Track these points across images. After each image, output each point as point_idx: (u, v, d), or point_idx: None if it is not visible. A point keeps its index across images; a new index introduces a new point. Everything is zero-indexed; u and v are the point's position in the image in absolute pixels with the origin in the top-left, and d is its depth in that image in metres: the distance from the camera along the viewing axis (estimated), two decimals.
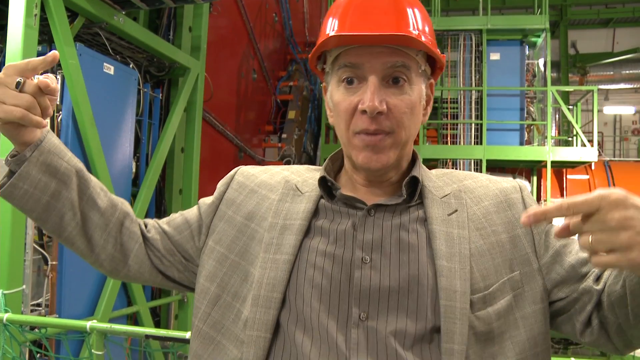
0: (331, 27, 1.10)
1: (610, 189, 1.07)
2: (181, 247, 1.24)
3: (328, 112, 1.20)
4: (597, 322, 1.02)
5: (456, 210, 1.10)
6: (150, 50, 4.75)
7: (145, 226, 1.27)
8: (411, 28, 1.06)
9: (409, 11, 1.08)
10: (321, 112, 9.59)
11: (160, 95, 5.18)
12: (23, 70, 1.00)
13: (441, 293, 1.00)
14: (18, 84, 0.99)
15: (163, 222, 1.30)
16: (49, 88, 1.01)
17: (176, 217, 1.29)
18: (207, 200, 1.27)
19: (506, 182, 1.17)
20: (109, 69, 4.24)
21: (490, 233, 1.09)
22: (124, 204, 1.25)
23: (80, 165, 1.16)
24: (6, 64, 1.03)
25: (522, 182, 1.18)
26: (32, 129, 1.06)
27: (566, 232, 0.83)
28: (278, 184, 1.20)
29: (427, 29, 1.11)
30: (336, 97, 1.10)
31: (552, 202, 1.08)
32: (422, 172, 1.16)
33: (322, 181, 1.15)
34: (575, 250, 1.08)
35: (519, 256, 1.08)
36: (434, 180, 1.16)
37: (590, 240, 0.80)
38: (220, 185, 1.27)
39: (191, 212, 1.28)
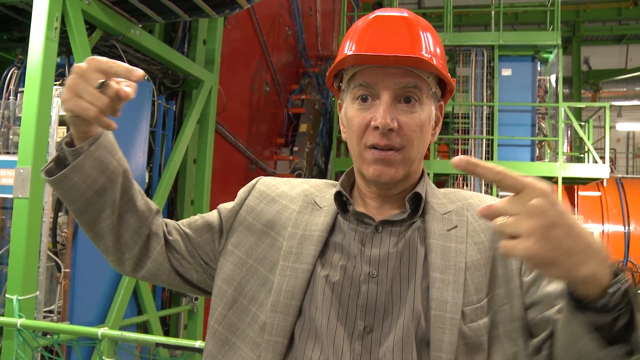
0: (349, 47, 1.16)
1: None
2: (201, 249, 1.27)
3: (341, 128, 1.25)
4: (546, 352, 1.01)
5: (456, 227, 1.14)
6: (165, 63, 4.83)
7: (166, 226, 1.29)
8: (424, 51, 1.12)
9: (422, 35, 1.14)
10: (332, 125, 9.64)
11: (174, 107, 5.25)
12: (106, 71, 0.99)
13: (431, 303, 1.04)
14: (102, 84, 0.99)
15: (184, 223, 1.31)
16: (128, 98, 1.01)
17: (196, 219, 1.31)
18: (227, 206, 1.30)
19: None
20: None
21: (487, 248, 1.12)
22: (155, 207, 1.28)
23: (127, 165, 1.20)
24: (90, 59, 1.01)
25: None
26: (87, 122, 1.06)
27: (488, 210, 0.83)
28: (298, 196, 1.25)
29: (438, 52, 1.16)
30: (350, 113, 1.15)
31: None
32: (428, 189, 1.21)
33: (338, 196, 1.20)
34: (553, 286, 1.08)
35: (507, 272, 1.11)
36: (439, 197, 1.21)
37: (501, 221, 0.81)
38: (242, 192, 1.31)
39: (212, 216, 1.30)
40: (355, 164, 1.19)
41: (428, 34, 1.15)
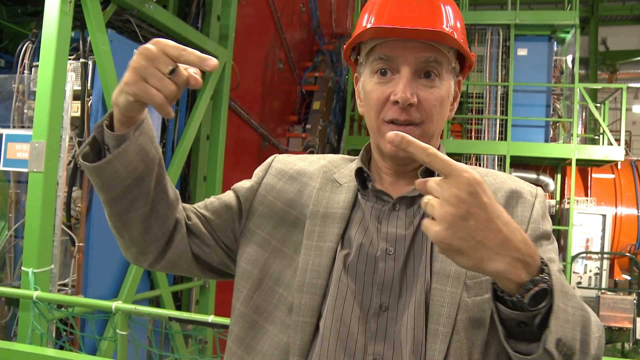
0: (368, 20, 1.14)
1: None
2: (221, 231, 1.23)
3: (358, 102, 1.23)
4: None
5: None
6: (179, 38, 4.80)
7: (184, 211, 1.23)
8: (444, 25, 1.10)
9: (443, 8, 1.12)
10: (346, 103, 9.60)
11: None
12: (177, 58, 0.93)
13: (433, 277, 1.04)
14: (173, 71, 0.93)
15: (200, 206, 1.26)
16: (197, 87, 0.97)
17: (212, 201, 1.27)
18: (244, 184, 1.27)
19: (526, 185, 1.18)
20: None
21: None
22: (177, 193, 1.22)
23: (161, 153, 1.13)
24: (157, 41, 0.94)
25: (541, 191, 1.19)
26: (143, 107, 1.01)
27: (422, 185, 0.86)
28: (317, 172, 1.23)
29: (459, 26, 1.14)
30: (369, 86, 1.13)
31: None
32: None
33: (359, 172, 1.18)
34: None
35: None
36: None
37: (427, 200, 0.84)
38: (258, 171, 1.29)
39: (228, 196, 1.26)
40: (373, 138, 1.17)
41: (449, 7, 1.13)
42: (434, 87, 1.10)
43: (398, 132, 0.85)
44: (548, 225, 1.13)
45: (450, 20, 1.11)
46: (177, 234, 1.17)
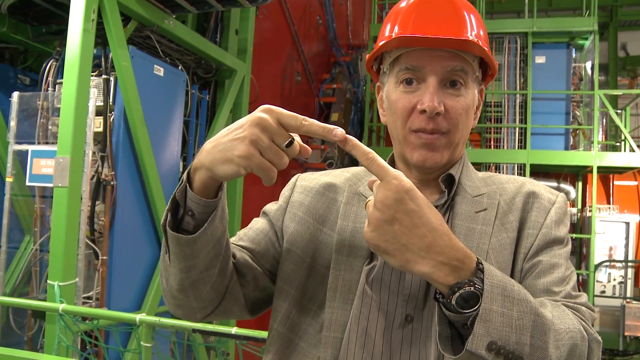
0: (392, 29, 1.14)
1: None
2: (264, 257, 1.19)
3: (381, 112, 1.23)
4: None
5: (485, 209, 1.13)
6: (198, 53, 4.88)
7: None
8: (469, 33, 1.10)
9: (467, 16, 1.12)
10: (364, 114, 9.60)
11: (207, 96, 5.31)
12: (297, 128, 0.89)
13: None
14: (290, 143, 0.89)
15: (236, 240, 1.21)
16: (307, 155, 0.93)
17: (246, 232, 1.23)
18: (272, 206, 1.26)
19: (546, 191, 1.17)
20: (159, 70, 4.38)
21: (514, 228, 1.11)
22: None
23: None
24: (270, 109, 0.89)
25: (562, 197, 1.17)
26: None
27: (371, 185, 0.92)
28: (343, 185, 1.22)
29: (482, 34, 1.14)
30: (394, 96, 1.13)
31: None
32: (465, 170, 1.19)
33: None
34: (545, 276, 1.06)
35: (519, 254, 1.10)
36: (475, 180, 1.19)
37: (367, 202, 0.91)
38: (285, 191, 1.28)
39: (260, 222, 1.24)
40: (398, 147, 1.17)
41: (472, 16, 1.13)
42: (460, 96, 1.11)
43: (344, 131, 0.90)
44: (562, 231, 1.12)
45: (475, 29, 1.12)
46: (231, 281, 1.12)
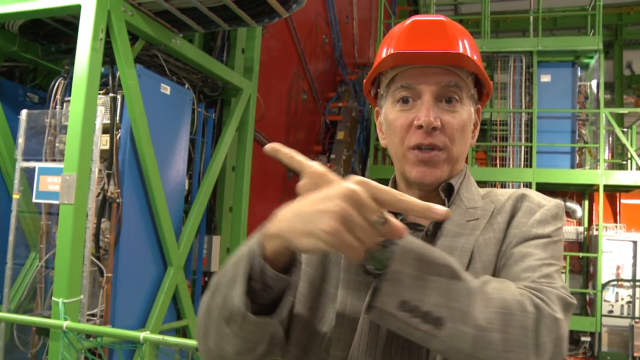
0: (387, 52, 1.18)
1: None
2: (295, 283, 1.09)
3: (380, 135, 1.25)
4: None
5: (477, 219, 1.12)
6: (204, 71, 4.92)
7: None
8: (460, 49, 1.13)
9: (460, 39, 1.15)
10: (370, 133, 9.63)
11: (214, 114, 5.34)
12: (394, 205, 0.82)
13: None
14: (384, 221, 0.81)
15: None
16: (400, 236, 0.83)
17: None
18: None
19: (541, 197, 1.16)
20: (166, 89, 4.42)
21: (502, 229, 1.10)
22: None
23: None
24: (364, 182, 0.82)
25: (554, 203, 1.14)
26: None
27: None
28: None
29: (475, 57, 1.16)
30: (391, 115, 1.15)
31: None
32: (466, 183, 1.19)
33: None
34: (516, 265, 1.04)
35: (501, 251, 1.09)
36: (474, 194, 1.19)
37: None
38: None
39: None
40: (398, 166, 1.19)
41: (465, 40, 1.16)
42: (456, 112, 1.13)
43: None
44: (546, 230, 1.08)
45: (467, 49, 1.15)
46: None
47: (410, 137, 1.12)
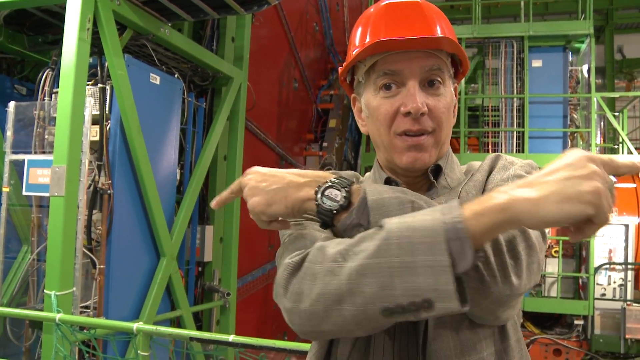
0: (362, 38, 1.17)
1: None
2: None
3: (360, 122, 1.25)
4: None
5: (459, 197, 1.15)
6: (194, 61, 4.88)
7: None
8: (439, 32, 1.13)
9: (437, 21, 1.15)
10: None
11: (204, 104, 5.31)
12: (616, 169, 0.85)
13: None
14: (612, 186, 0.83)
15: None
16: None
17: None
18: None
19: (512, 158, 1.19)
20: (155, 79, 4.38)
21: (480, 185, 1.15)
22: None
23: None
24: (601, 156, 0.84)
25: (528, 161, 1.17)
26: None
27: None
28: None
29: (451, 34, 1.17)
30: (374, 103, 1.15)
31: None
32: (450, 162, 1.21)
33: (387, 183, 1.19)
34: None
35: None
36: (457, 172, 1.22)
37: None
38: None
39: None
40: (383, 154, 1.19)
41: (442, 20, 1.17)
42: (440, 95, 1.13)
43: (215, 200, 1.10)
44: (519, 175, 1.10)
45: (446, 32, 1.15)
46: None
47: (397, 124, 1.12)
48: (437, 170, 1.18)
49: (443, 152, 1.19)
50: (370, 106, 1.16)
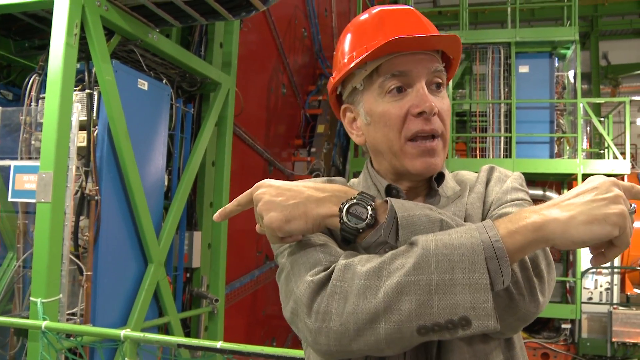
0: (356, 45, 1.14)
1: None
2: None
3: (355, 133, 1.20)
4: None
5: (459, 197, 1.18)
6: (182, 66, 4.87)
7: None
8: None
9: (431, 26, 1.17)
10: None
11: (192, 110, 5.29)
12: (632, 194, 0.89)
13: None
14: (633, 211, 0.87)
15: None
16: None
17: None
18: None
19: (503, 169, 1.22)
20: (143, 84, 4.36)
21: (480, 197, 1.16)
22: None
23: None
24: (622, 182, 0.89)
25: (517, 173, 1.21)
26: None
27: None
28: None
29: None
30: (380, 108, 1.11)
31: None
32: (446, 171, 1.23)
33: (389, 190, 1.17)
34: None
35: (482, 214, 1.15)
36: (448, 180, 1.22)
37: None
38: None
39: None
40: (391, 160, 1.14)
41: (433, 27, 1.18)
42: (444, 97, 1.13)
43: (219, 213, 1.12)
44: (518, 195, 1.14)
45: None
46: None
47: (408, 126, 1.09)
48: (439, 177, 1.18)
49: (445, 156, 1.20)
50: (375, 112, 1.12)
